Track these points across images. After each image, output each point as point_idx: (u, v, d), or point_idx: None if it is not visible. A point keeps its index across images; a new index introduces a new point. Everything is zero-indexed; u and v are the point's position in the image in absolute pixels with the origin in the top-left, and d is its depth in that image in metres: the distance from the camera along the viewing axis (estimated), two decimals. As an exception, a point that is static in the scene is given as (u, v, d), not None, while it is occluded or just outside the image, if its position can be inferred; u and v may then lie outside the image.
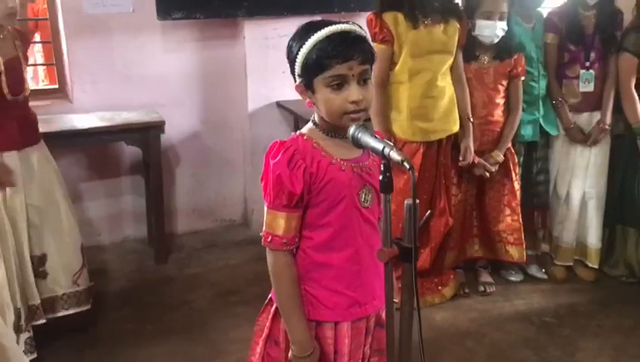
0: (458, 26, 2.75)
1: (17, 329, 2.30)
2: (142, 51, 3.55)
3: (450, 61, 2.78)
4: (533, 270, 3.30)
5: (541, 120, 3.11)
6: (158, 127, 3.30)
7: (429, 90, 2.72)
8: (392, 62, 2.72)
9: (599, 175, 3.19)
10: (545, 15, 3.15)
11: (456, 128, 2.85)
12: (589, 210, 3.22)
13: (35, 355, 2.48)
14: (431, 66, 2.71)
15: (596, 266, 3.26)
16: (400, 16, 2.65)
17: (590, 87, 3.06)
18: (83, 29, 3.40)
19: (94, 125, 3.19)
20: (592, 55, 3.05)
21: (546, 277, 3.28)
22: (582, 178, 3.18)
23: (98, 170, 3.64)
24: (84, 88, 3.46)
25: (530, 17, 3.06)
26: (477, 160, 2.96)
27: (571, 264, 3.31)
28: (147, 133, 3.28)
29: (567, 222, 3.25)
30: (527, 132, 3.10)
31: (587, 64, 3.05)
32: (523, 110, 3.03)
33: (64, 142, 3.00)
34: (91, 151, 3.57)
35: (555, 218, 3.30)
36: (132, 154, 3.64)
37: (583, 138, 3.11)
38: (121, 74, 3.54)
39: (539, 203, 3.26)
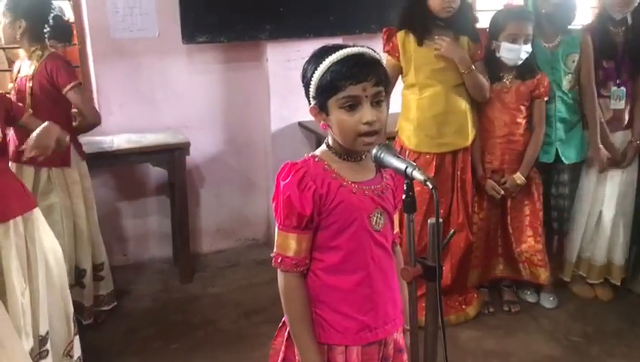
0: (468, 43, 2.78)
1: (39, 357, 2.24)
2: (167, 74, 3.63)
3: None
4: (543, 298, 3.21)
5: (558, 144, 3.04)
6: (183, 148, 3.36)
7: (437, 105, 2.78)
8: (401, 74, 2.84)
9: (627, 193, 3.15)
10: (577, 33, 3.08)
11: (464, 143, 2.86)
12: (616, 228, 3.17)
13: None
14: (439, 82, 2.76)
15: (618, 283, 3.22)
16: (410, 34, 2.75)
17: (621, 105, 3.02)
18: (110, 53, 3.49)
19: (121, 147, 3.26)
20: (623, 72, 3.02)
21: (554, 306, 3.17)
22: (615, 196, 3.14)
23: (125, 190, 3.71)
24: (111, 111, 3.53)
25: (553, 37, 2.99)
26: (487, 182, 2.96)
27: (601, 281, 3.26)
28: (173, 155, 3.34)
29: (600, 241, 3.20)
30: (540, 153, 3.03)
31: (619, 81, 3.01)
32: None
33: (92, 163, 3.06)
34: (118, 172, 3.64)
35: (585, 237, 3.23)
36: (158, 175, 3.70)
37: (618, 160, 3.06)
38: (147, 97, 3.61)
39: (558, 228, 3.22)
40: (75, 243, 2.93)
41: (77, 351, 2.44)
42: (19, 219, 2.17)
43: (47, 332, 2.27)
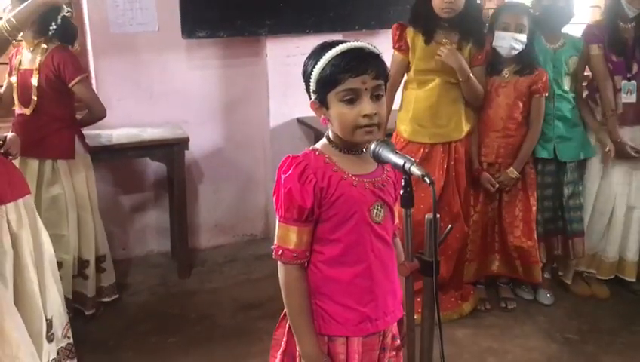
0: (470, 48, 2.81)
1: (47, 340, 2.35)
2: (167, 69, 3.63)
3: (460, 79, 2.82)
4: (540, 294, 3.22)
5: (557, 141, 3.04)
6: (182, 143, 3.36)
7: (432, 97, 2.84)
8: (407, 69, 2.89)
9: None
10: (584, 29, 3.13)
11: (457, 136, 2.90)
12: (633, 224, 3.18)
13: (74, 361, 2.54)
14: (437, 76, 2.82)
15: (633, 279, 3.23)
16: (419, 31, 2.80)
17: (633, 98, 3.03)
18: (110, 47, 3.49)
19: (120, 141, 3.26)
20: (635, 66, 3.03)
21: (551, 302, 3.18)
22: (626, 194, 3.15)
23: (123, 185, 3.71)
24: (110, 105, 3.51)
25: (555, 38, 3.03)
26: (483, 174, 2.98)
27: (612, 277, 3.26)
28: (171, 150, 3.35)
29: (611, 237, 3.20)
30: (538, 149, 3.04)
31: (629, 75, 3.03)
32: None
33: (90, 157, 3.07)
34: (117, 166, 3.64)
35: (595, 234, 3.22)
36: (156, 169, 3.71)
37: (633, 153, 3.03)
38: (146, 91, 3.62)
39: (576, 229, 3.13)
40: (78, 234, 2.96)
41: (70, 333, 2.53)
42: (21, 206, 2.26)
43: (52, 316, 2.37)
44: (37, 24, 2.74)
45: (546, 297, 3.20)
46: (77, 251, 2.95)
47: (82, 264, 2.99)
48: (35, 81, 2.76)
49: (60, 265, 2.76)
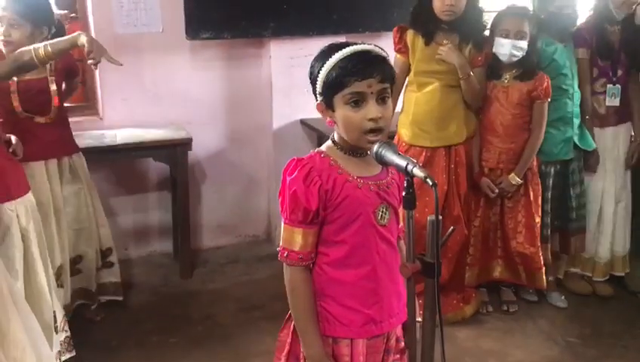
0: (470, 50, 2.81)
1: (55, 330, 2.42)
2: (170, 70, 3.64)
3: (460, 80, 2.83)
4: (553, 298, 3.22)
5: (575, 138, 3.07)
6: (185, 144, 3.37)
7: (433, 100, 2.85)
8: (409, 71, 2.91)
9: (625, 185, 3.20)
10: (574, 32, 3.12)
11: (458, 139, 2.91)
12: (619, 218, 3.21)
13: (73, 353, 2.57)
14: (437, 80, 2.84)
15: (623, 273, 3.24)
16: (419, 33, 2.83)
17: (616, 102, 3.08)
18: (114, 48, 3.44)
19: (123, 141, 3.28)
20: (619, 70, 3.07)
21: (566, 305, 3.19)
22: (613, 192, 3.17)
23: (126, 185, 3.72)
24: (114, 105, 3.55)
25: (562, 37, 3.04)
26: (483, 179, 2.97)
27: (607, 278, 3.28)
28: (175, 150, 3.36)
29: (602, 238, 3.22)
30: (560, 150, 3.06)
31: (614, 79, 3.06)
32: (557, 128, 3.02)
33: (94, 157, 3.08)
34: (120, 166, 3.65)
35: (589, 233, 3.23)
36: (159, 170, 3.72)
37: (595, 164, 3.14)
38: (150, 92, 3.63)
39: (583, 225, 3.19)
40: (97, 225, 3.00)
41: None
42: (27, 202, 2.33)
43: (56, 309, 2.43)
44: (50, 36, 2.69)
45: (560, 300, 3.20)
46: (98, 243, 3.00)
47: (104, 254, 3.04)
48: (53, 88, 2.76)
49: (80, 258, 2.91)
